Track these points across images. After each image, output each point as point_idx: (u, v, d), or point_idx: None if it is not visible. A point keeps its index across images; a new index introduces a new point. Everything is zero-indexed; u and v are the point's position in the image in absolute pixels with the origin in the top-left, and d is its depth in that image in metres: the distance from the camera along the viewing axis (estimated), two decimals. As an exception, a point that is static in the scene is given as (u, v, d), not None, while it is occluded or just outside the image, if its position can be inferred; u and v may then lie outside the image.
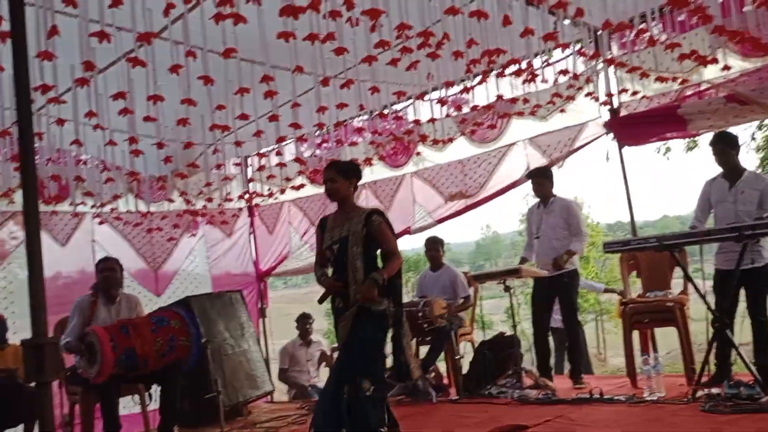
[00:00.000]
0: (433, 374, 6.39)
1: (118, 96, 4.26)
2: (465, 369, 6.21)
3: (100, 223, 7.51)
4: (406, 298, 6.69)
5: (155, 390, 5.32)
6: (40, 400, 2.19)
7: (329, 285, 4.11)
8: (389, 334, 4.10)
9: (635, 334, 5.68)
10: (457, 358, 6.22)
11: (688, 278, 5.24)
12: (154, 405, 5.33)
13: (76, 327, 5.09)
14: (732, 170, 5.06)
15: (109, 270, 5.44)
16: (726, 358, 4.89)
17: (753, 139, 8.73)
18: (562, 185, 7.03)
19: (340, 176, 4.08)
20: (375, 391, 3.84)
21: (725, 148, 5.07)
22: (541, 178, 6.20)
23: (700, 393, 4.57)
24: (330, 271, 4.18)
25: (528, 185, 6.79)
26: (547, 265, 5.97)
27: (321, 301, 4.34)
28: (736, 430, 3.69)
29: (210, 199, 7.63)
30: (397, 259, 4.07)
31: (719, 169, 5.14)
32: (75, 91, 4.28)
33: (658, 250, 4.91)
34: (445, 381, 6.60)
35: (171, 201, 7.19)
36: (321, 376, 7.97)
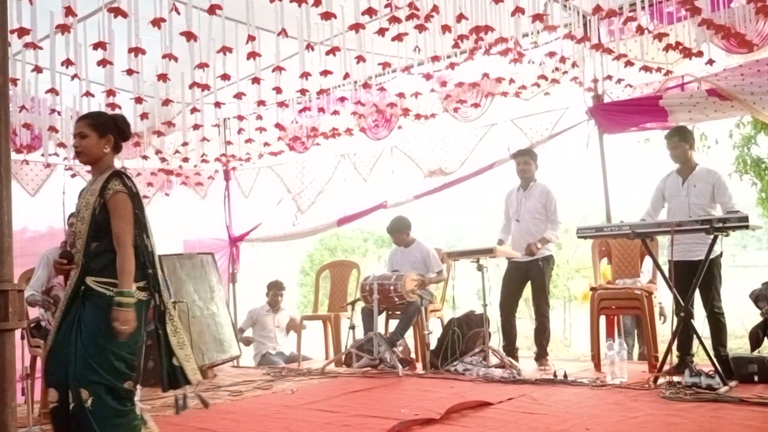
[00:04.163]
0: (400, 348, 6.43)
1: (98, 46, 4.16)
2: (433, 345, 6.25)
3: (72, 176, 7.38)
4: (378, 272, 6.73)
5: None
6: (2, 348, 2.14)
7: (55, 263, 3.25)
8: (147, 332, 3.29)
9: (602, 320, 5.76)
10: (425, 333, 6.26)
11: (657, 267, 5.33)
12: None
13: (41, 280, 5.02)
14: (684, 164, 5.24)
15: (78, 225, 5.35)
16: (688, 348, 5.02)
17: (730, 136, 8.80)
18: (542, 170, 7.08)
19: (93, 131, 3.19)
20: (96, 405, 2.95)
21: (680, 141, 5.22)
22: (527, 157, 6.23)
23: (661, 380, 4.68)
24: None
25: (506, 167, 6.82)
26: (522, 248, 6.01)
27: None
28: (693, 417, 3.76)
29: (186, 159, 7.53)
30: (125, 254, 3.06)
31: (675, 164, 5.30)
32: (53, 38, 4.17)
33: (630, 238, 4.98)
34: (412, 355, 6.65)
35: (145, 158, 7.08)
36: (288, 344, 7.99)
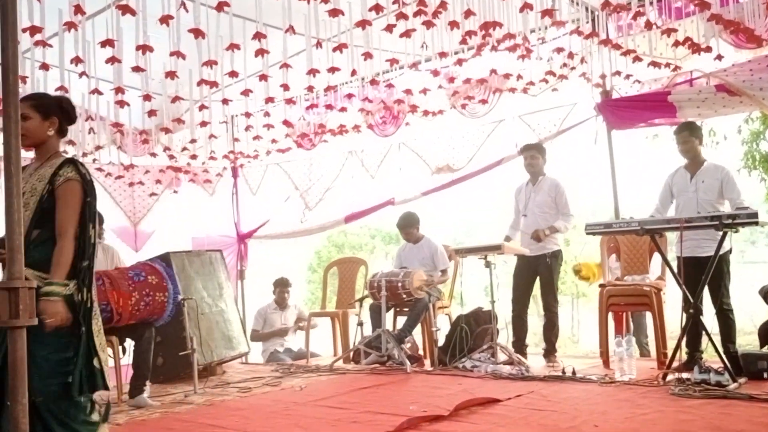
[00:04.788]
0: (408, 345, 6.43)
1: (106, 44, 4.17)
2: (441, 341, 6.25)
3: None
4: (386, 268, 6.73)
5: (129, 344, 5.30)
6: (13, 345, 2.15)
7: None
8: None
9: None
10: (433, 329, 6.26)
11: (666, 264, 5.31)
12: (128, 359, 5.32)
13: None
14: (693, 160, 5.23)
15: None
16: (697, 344, 5.00)
17: (739, 132, 8.75)
18: (550, 166, 7.08)
19: (36, 112, 3.00)
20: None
21: (690, 136, 5.21)
22: (534, 152, 6.21)
23: (670, 377, 4.67)
24: None
25: (514, 163, 6.81)
26: (531, 243, 6.00)
27: None
28: (703, 414, 3.74)
29: (194, 157, 7.55)
30: (65, 245, 2.86)
31: (683, 160, 5.29)
32: (62, 36, 4.18)
33: (639, 234, 4.97)
34: (420, 352, 6.66)
35: (154, 156, 7.10)
36: (297, 340, 8.01)
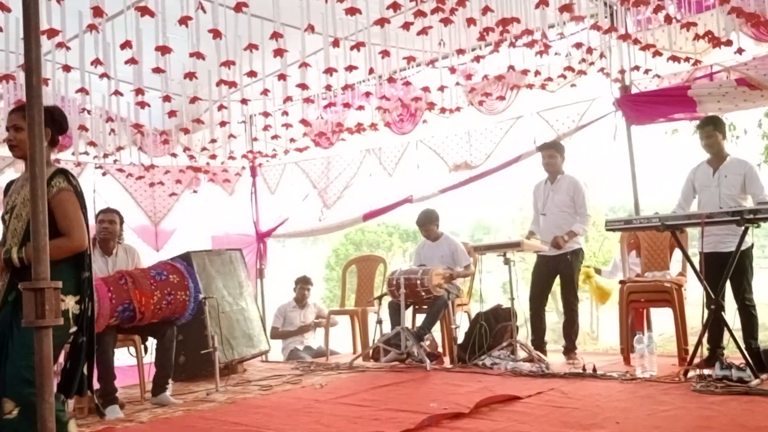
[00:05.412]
0: (428, 342, 6.43)
1: (126, 45, 4.21)
2: (460, 339, 6.25)
3: (103, 174, 7.49)
4: (404, 267, 6.73)
5: (151, 343, 5.35)
6: (39, 344, 2.19)
7: None
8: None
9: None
10: (452, 327, 6.25)
11: (687, 260, 5.27)
12: (150, 358, 5.37)
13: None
14: (716, 155, 5.17)
15: (109, 222, 5.45)
16: (719, 340, 4.96)
17: (759, 126, 8.65)
18: (568, 162, 7.05)
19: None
20: (23, 417, 2.74)
21: (714, 130, 5.16)
22: (552, 150, 6.18)
23: (691, 373, 4.63)
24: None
25: (532, 160, 6.78)
26: (549, 243, 5.98)
27: None
28: (725, 411, 3.72)
29: (213, 156, 7.60)
30: (68, 242, 2.94)
31: (704, 155, 5.24)
32: (82, 38, 4.23)
33: (660, 230, 4.93)
34: (440, 349, 6.66)
35: (174, 156, 7.16)
36: (316, 338, 8.04)
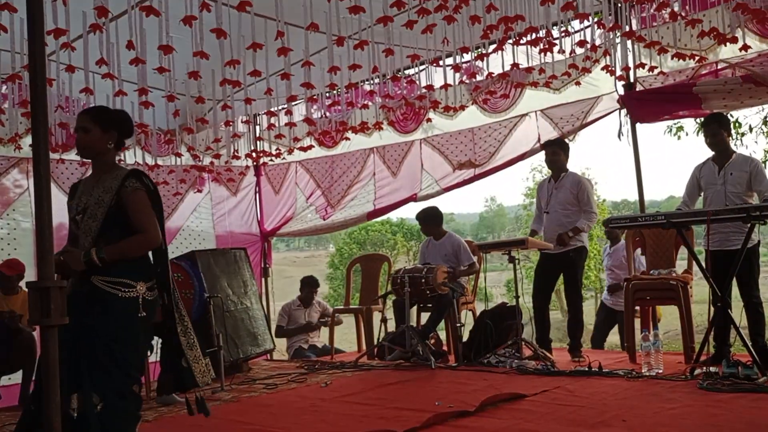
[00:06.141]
0: (432, 340, 6.43)
1: (130, 45, 4.21)
2: (465, 337, 6.24)
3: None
4: (408, 266, 6.73)
5: (156, 341, 5.35)
6: (45, 344, 2.19)
7: (56, 262, 2.88)
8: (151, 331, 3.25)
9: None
10: (457, 325, 6.25)
11: (693, 257, 5.24)
12: (155, 357, 5.37)
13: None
14: (722, 152, 5.15)
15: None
16: (725, 338, 4.94)
17: (765, 123, 8.63)
18: (572, 160, 7.05)
19: (96, 125, 3.10)
20: (108, 409, 2.84)
21: (719, 128, 5.13)
22: (556, 148, 6.15)
23: (698, 371, 4.61)
24: None
25: (536, 158, 6.77)
26: (553, 240, 5.96)
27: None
28: (733, 408, 3.71)
29: (217, 156, 7.61)
30: (144, 238, 3.04)
31: (709, 153, 5.21)
32: (86, 38, 4.23)
33: (666, 228, 4.91)
34: (445, 348, 6.65)
35: (178, 155, 7.17)
36: (321, 337, 8.05)
